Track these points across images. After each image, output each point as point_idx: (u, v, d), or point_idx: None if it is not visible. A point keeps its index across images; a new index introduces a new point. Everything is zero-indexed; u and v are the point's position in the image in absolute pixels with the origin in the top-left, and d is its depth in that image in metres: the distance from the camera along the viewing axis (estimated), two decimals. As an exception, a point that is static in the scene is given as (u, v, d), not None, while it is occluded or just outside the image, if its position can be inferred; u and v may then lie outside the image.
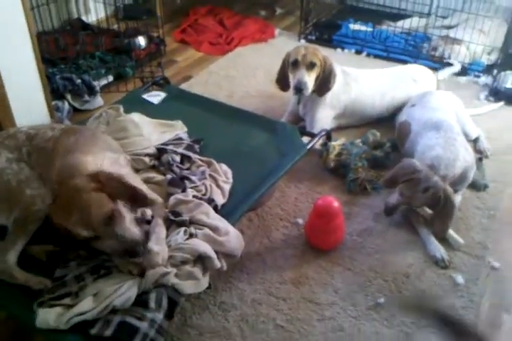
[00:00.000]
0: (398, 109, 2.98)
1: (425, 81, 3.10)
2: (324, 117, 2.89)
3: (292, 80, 2.78)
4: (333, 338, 1.88)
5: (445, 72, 3.57)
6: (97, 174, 1.65)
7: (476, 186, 2.59)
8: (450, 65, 3.65)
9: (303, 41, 4.09)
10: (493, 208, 2.49)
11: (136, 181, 1.89)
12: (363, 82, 2.98)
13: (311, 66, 2.74)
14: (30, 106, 2.57)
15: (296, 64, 2.76)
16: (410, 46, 3.92)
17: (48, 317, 1.55)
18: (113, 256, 1.67)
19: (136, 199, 1.72)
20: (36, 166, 1.86)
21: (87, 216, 1.55)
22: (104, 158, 1.84)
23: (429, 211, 2.34)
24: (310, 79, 2.74)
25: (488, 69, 3.61)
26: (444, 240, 2.28)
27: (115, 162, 1.89)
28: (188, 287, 1.70)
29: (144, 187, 1.95)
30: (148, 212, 1.91)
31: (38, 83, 2.57)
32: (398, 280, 2.12)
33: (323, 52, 3.83)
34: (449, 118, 2.56)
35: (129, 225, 1.63)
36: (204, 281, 1.76)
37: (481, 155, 2.79)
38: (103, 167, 1.76)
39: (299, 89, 2.73)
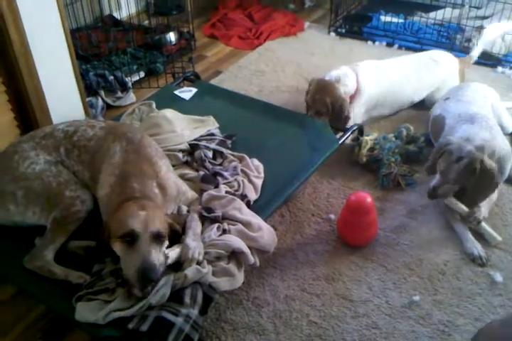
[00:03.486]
0: (426, 93, 3.00)
1: (446, 62, 3.10)
2: (357, 113, 2.86)
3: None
4: (368, 335, 1.87)
5: (475, 52, 3.39)
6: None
7: (512, 181, 2.53)
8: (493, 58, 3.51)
9: (333, 34, 4.05)
10: (531, 204, 2.43)
11: (176, 181, 1.94)
12: (390, 72, 2.96)
13: (318, 114, 2.73)
14: (66, 103, 2.61)
15: (307, 104, 2.77)
16: (443, 38, 3.84)
17: (87, 311, 1.58)
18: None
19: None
20: (78, 163, 1.89)
21: (151, 219, 1.60)
22: (162, 168, 1.87)
23: (465, 208, 2.29)
24: (322, 119, 2.71)
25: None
26: (480, 237, 2.24)
27: (168, 170, 1.92)
28: (223, 284, 1.72)
29: (181, 183, 1.98)
30: (184, 207, 1.93)
31: (73, 80, 2.61)
32: (434, 277, 2.09)
33: (354, 44, 3.87)
34: (484, 111, 2.51)
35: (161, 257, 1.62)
36: (240, 277, 1.77)
37: (517, 149, 2.71)
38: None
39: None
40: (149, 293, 1.57)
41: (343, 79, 2.77)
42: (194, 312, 1.63)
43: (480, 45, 3.36)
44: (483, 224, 2.26)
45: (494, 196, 2.38)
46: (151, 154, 1.87)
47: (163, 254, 1.63)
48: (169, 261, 1.66)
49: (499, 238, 2.22)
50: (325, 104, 2.70)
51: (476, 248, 2.17)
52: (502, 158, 2.27)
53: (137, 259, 1.54)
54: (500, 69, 3.51)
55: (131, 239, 1.56)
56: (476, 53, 3.35)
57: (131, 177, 1.75)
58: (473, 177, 2.15)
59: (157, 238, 1.60)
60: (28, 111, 2.44)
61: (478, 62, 3.50)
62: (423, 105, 3.06)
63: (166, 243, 1.65)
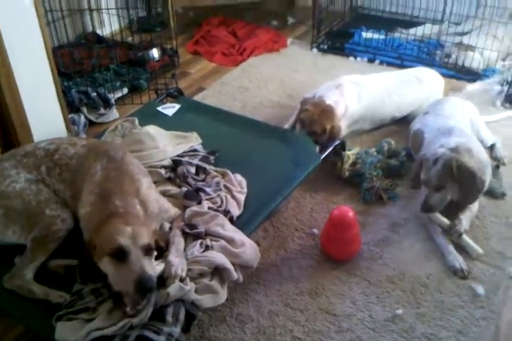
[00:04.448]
0: (408, 110, 3.05)
1: (431, 80, 3.15)
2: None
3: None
4: (352, 350, 1.87)
5: (476, 85, 3.52)
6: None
7: (493, 194, 2.56)
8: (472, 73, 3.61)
9: (315, 50, 4.10)
10: (511, 216, 2.46)
11: (158, 199, 1.94)
12: (371, 87, 3.00)
13: (312, 134, 2.75)
14: (48, 121, 2.60)
15: (303, 123, 2.79)
16: (423, 53, 3.90)
17: (66, 330, 1.56)
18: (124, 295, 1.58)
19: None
20: (59, 181, 1.88)
21: (139, 234, 1.60)
22: (143, 185, 1.86)
23: (447, 221, 2.32)
24: (313, 138, 2.73)
25: (502, 76, 3.57)
26: (462, 249, 2.26)
27: (149, 187, 1.91)
28: (206, 301, 1.70)
29: (165, 201, 1.98)
30: (167, 225, 1.92)
31: (55, 97, 2.61)
32: (416, 290, 2.09)
33: (336, 60, 3.92)
34: (462, 124, 2.55)
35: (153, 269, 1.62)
36: (223, 294, 1.76)
37: (497, 162, 2.75)
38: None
39: None
40: (141, 310, 1.56)
41: (339, 104, 2.83)
42: (176, 330, 1.61)
43: (485, 82, 3.47)
44: (465, 236, 2.28)
45: (475, 208, 2.40)
46: (133, 172, 1.87)
47: (153, 267, 1.62)
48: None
49: (480, 250, 2.24)
50: (324, 128, 2.75)
51: (458, 260, 2.18)
52: (481, 162, 2.30)
53: (131, 273, 1.52)
54: (479, 84, 3.57)
55: (120, 254, 1.55)
56: (475, 86, 3.43)
57: (113, 194, 1.75)
58: (453, 177, 2.19)
59: (147, 251, 1.59)
60: (9, 129, 2.43)
61: (457, 77, 3.58)
62: (405, 120, 3.09)
63: (154, 256, 1.65)
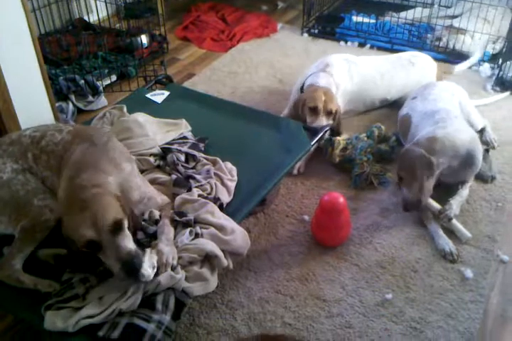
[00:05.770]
0: (400, 93, 3.06)
1: (423, 64, 3.14)
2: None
3: (310, 123, 2.74)
4: (342, 335, 1.88)
5: (464, 64, 3.51)
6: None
7: (483, 178, 2.57)
8: (464, 56, 3.59)
9: (305, 35, 4.07)
10: (500, 200, 2.48)
11: (140, 185, 1.89)
12: (363, 66, 3.02)
13: (329, 113, 2.74)
14: (35, 109, 2.58)
15: (315, 110, 2.74)
16: (414, 37, 3.89)
17: (56, 319, 1.56)
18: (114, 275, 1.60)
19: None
20: (46, 169, 1.85)
21: (100, 215, 1.53)
22: (124, 171, 1.81)
23: (437, 206, 2.32)
24: (328, 123, 2.73)
25: (493, 59, 3.57)
26: (451, 234, 2.27)
27: (131, 174, 1.86)
28: (197, 289, 1.70)
29: (151, 189, 1.96)
30: (156, 212, 1.91)
31: (42, 85, 2.58)
32: (406, 275, 2.11)
33: (327, 45, 3.90)
34: (449, 106, 2.54)
35: (130, 241, 1.59)
36: (213, 281, 1.76)
37: (487, 146, 2.76)
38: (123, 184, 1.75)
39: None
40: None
41: (332, 85, 2.85)
42: (166, 317, 1.61)
43: (470, 60, 3.43)
44: (454, 221, 2.29)
45: (465, 193, 2.41)
46: (113, 155, 1.82)
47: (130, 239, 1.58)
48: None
49: (469, 235, 2.26)
50: (334, 103, 2.76)
51: (448, 244, 2.20)
52: (469, 151, 2.31)
53: (113, 256, 1.51)
54: (470, 67, 3.56)
55: (93, 246, 1.53)
56: (462, 67, 3.41)
57: (83, 172, 1.68)
58: (407, 167, 2.25)
59: (117, 229, 1.54)
60: (-4, 118, 2.40)
61: (448, 61, 3.56)
62: (395, 105, 3.09)
63: (126, 224, 1.61)
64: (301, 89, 2.95)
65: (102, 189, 1.62)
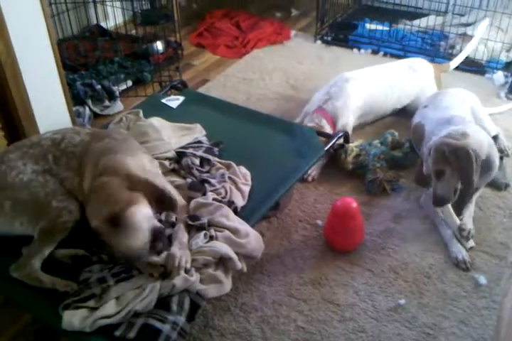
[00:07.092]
0: (408, 101, 3.08)
1: (422, 70, 3.15)
2: (347, 122, 2.90)
3: None
4: (355, 339, 1.89)
5: (458, 59, 3.47)
6: (130, 175, 1.70)
7: (497, 185, 2.57)
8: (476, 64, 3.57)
9: (319, 42, 4.09)
10: (514, 207, 2.47)
11: (163, 182, 1.93)
12: (373, 82, 3.01)
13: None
14: (53, 113, 2.61)
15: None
16: (427, 45, 3.89)
17: (73, 319, 1.58)
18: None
19: (163, 201, 1.74)
20: (66, 169, 1.89)
21: (103, 206, 1.61)
22: (143, 158, 1.91)
23: (457, 221, 2.31)
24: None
25: (507, 67, 3.57)
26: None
27: (151, 161, 1.95)
28: (211, 291, 1.72)
29: (170, 188, 1.98)
30: (173, 215, 1.94)
31: (60, 90, 2.61)
32: (419, 281, 2.11)
33: (340, 52, 3.92)
34: (462, 113, 2.53)
35: (135, 237, 1.62)
36: (227, 284, 1.78)
37: (501, 153, 2.74)
38: (144, 166, 1.84)
39: None
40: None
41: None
42: (181, 319, 1.64)
43: (462, 54, 3.42)
44: (449, 208, 2.32)
45: (472, 207, 2.39)
46: (132, 146, 1.94)
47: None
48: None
49: (458, 222, 2.28)
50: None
51: (461, 252, 2.19)
52: (489, 154, 2.28)
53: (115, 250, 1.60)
54: (484, 75, 3.56)
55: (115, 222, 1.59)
56: (455, 63, 3.40)
57: (101, 157, 1.81)
58: (448, 160, 2.16)
59: (115, 223, 1.60)
60: (15, 122, 2.44)
61: (461, 69, 3.56)
62: (405, 113, 3.09)
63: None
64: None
65: (112, 174, 1.70)
